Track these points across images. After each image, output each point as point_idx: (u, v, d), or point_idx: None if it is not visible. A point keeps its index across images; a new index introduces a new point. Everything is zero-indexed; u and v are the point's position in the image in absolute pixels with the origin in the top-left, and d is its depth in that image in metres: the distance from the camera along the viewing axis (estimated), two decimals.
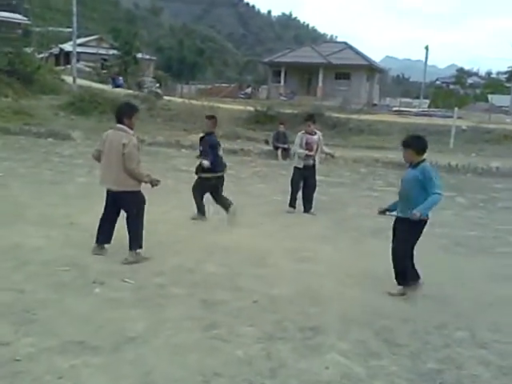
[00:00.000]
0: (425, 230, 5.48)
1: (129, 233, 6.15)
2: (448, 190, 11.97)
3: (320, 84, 44.20)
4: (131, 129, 6.07)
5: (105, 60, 50.52)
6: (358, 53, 46.69)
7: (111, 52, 49.11)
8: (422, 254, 6.82)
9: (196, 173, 8.17)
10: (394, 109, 38.27)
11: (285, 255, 6.67)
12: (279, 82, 45.86)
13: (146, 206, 6.24)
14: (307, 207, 9.28)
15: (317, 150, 9.01)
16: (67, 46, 52.81)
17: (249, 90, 46.16)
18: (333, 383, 3.83)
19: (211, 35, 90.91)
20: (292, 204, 9.27)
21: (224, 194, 8.23)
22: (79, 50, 56.85)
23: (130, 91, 31.81)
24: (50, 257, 6.04)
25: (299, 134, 9.11)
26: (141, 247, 6.16)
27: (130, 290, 5.30)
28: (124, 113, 6.07)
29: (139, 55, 48.89)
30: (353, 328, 4.74)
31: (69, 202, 8.76)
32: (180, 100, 31.67)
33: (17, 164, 12.13)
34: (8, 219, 7.38)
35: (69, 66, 46.13)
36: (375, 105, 42.68)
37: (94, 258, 6.11)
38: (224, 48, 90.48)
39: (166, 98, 32.35)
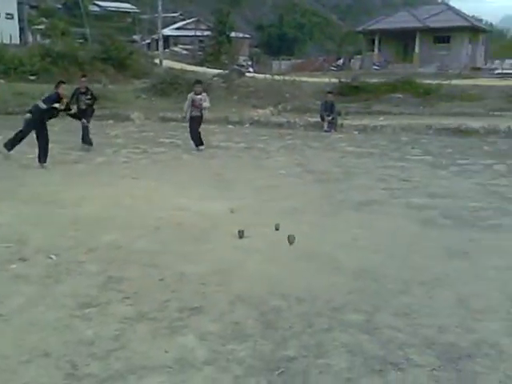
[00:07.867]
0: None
1: None
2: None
3: (417, 50, 41.66)
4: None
5: (201, 41, 51.52)
6: (458, 14, 43.23)
7: (206, 33, 49.93)
8: (393, 229, 6.26)
9: None
10: (497, 72, 35.20)
11: (228, 233, 6.29)
12: (373, 50, 43.93)
13: None
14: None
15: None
16: (167, 31, 54.61)
17: (340, 62, 44.62)
18: (158, 368, 3.54)
19: (314, 8, 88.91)
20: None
21: None
22: (177, 33, 58.93)
23: (219, 70, 32.03)
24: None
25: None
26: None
27: (45, 266, 5.28)
28: None
29: (233, 34, 49.16)
30: (239, 309, 4.36)
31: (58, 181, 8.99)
32: (262, 77, 31.47)
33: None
34: None
35: (167, 50, 47.80)
36: (479, 69, 39.49)
37: (43, 233, 6.16)
38: (327, 21, 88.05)
39: (249, 75, 32.34)
